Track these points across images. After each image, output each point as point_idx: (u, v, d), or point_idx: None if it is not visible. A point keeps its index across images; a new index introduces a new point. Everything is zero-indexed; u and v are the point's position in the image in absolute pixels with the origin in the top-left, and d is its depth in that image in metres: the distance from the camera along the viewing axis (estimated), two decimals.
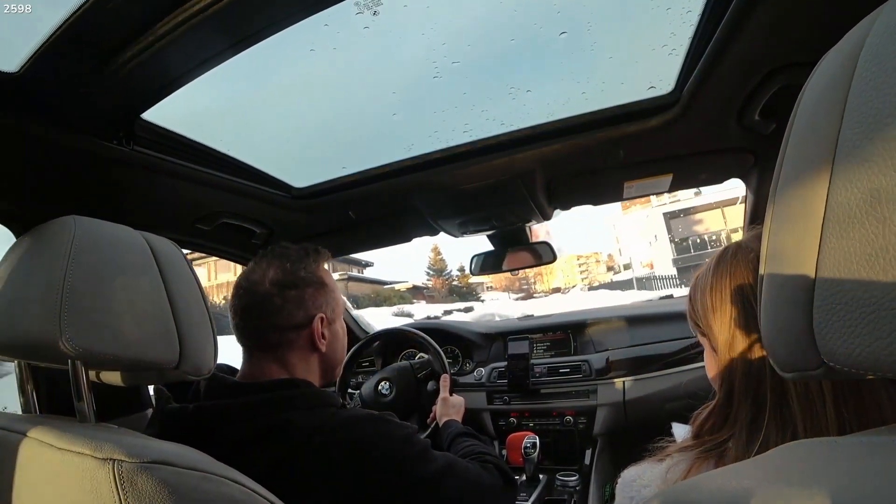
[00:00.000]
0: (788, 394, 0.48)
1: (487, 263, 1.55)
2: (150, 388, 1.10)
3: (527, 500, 1.28)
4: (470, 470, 0.82)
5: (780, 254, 0.27)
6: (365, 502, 0.68)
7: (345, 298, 1.85)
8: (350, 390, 1.65)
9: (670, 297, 1.91)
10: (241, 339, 0.81)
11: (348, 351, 1.64)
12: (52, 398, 0.90)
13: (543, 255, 1.50)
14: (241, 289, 0.80)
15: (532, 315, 2.02)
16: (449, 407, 1.26)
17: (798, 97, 0.28)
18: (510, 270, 1.57)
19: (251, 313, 0.79)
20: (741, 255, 0.55)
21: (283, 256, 0.83)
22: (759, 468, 0.24)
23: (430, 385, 1.50)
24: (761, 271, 0.29)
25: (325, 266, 0.88)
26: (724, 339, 0.54)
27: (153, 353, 0.56)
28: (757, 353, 0.51)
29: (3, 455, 0.51)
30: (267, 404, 0.70)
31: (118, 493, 0.41)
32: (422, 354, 1.68)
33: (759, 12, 0.67)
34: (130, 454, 0.43)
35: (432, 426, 1.27)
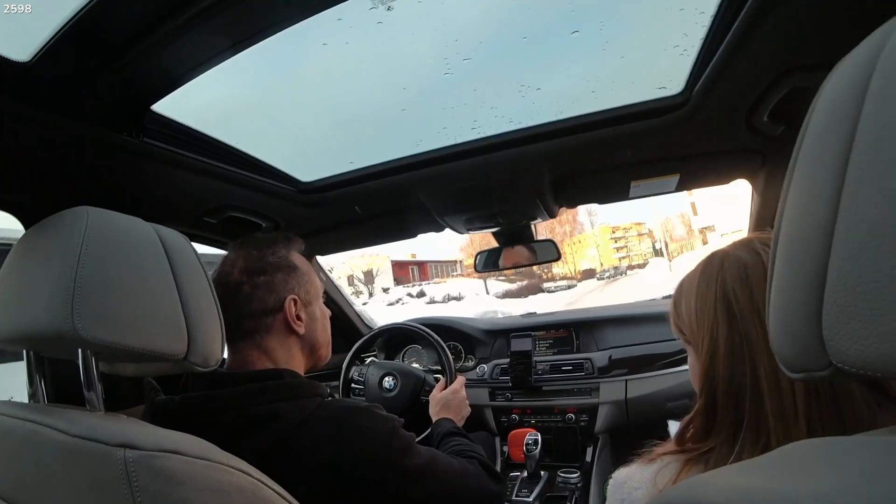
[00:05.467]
0: (764, 405, 0.48)
1: (490, 261, 1.55)
2: None
3: (528, 497, 1.29)
4: (454, 465, 0.82)
5: (791, 254, 0.27)
6: (349, 495, 0.68)
7: (342, 285, 1.84)
8: (356, 380, 1.62)
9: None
10: None
11: (352, 346, 1.64)
12: (58, 389, 0.91)
13: (546, 253, 1.50)
14: (214, 281, 0.80)
15: (535, 312, 2.02)
16: (437, 404, 1.24)
17: (813, 100, 0.28)
18: (511, 268, 1.57)
19: (224, 303, 0.78)
20: (727, 264, 0.54)
21: (250, 245, 0.84)
22: (766, 466, 0.24)
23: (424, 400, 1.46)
24: (771, 272, 0.29)
25: (297, 252, 0.88)
26: (708, 346, 0.53)
27: (162, 344, 0.57)
28: (739, 362, 0.50)
29: (13, 443, 0.51)
30: (252, 395, 0.70)
31: (128, 481, 0.42)
32: (437, 375, 1.63)
33: (773, 15, 0.67)
34: (140, 442, 0.44)
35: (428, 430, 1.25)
